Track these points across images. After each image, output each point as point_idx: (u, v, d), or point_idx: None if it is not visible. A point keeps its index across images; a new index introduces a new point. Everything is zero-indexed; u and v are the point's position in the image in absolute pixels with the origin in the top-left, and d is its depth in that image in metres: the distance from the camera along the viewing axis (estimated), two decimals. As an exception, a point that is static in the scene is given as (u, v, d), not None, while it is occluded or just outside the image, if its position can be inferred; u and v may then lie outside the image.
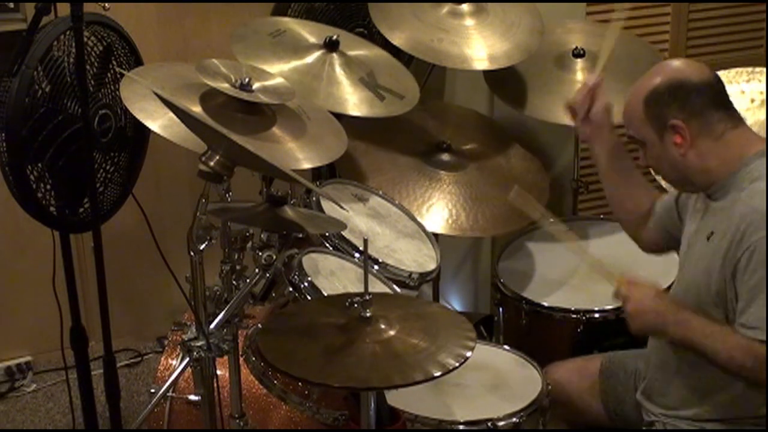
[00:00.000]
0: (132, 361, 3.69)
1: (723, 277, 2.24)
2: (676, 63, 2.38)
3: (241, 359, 2.48)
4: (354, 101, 2.90)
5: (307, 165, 2.53)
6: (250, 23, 3.04)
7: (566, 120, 3.27)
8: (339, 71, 2.94)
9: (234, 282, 2.47)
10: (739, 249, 2.20)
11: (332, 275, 2.62)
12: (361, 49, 3.09)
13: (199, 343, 2.35)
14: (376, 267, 2.69)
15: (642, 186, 2.65)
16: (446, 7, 3.22)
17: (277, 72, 2.73)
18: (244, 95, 2.41)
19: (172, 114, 2.26)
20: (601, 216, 3.49)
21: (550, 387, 2.54)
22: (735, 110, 2.33)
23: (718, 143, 2.28)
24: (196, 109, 2.38)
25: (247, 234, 2.49)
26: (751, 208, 2.20)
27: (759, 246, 2.16)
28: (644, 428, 2.48)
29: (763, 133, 3.00)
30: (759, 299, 2.17)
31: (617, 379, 2.62)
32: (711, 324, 2.26)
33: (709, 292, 2.28)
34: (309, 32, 3.04)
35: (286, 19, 3.15)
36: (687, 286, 2.37)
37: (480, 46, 3.17)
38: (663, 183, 3.01)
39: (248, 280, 2.49)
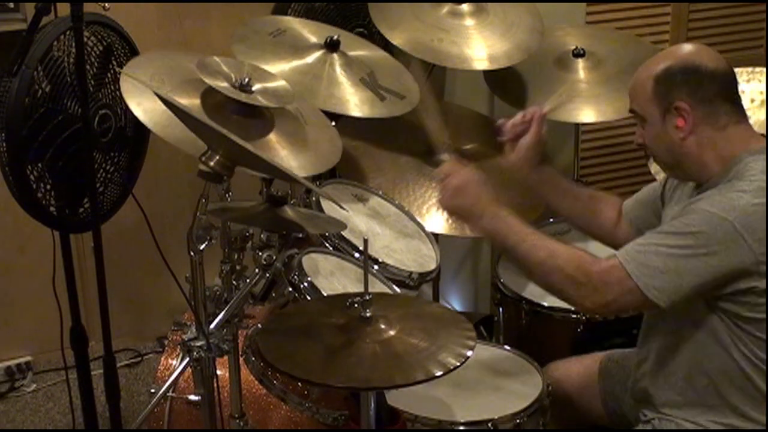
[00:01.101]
0: (132, 361, 3.70)
1: None
2: (695, 47, 2.34)
3: (241, 359, 2.48)
4: (355, 101, 2.90)
5: (301, 173, 2.52)
6: (250, 22, 3.03)
7: (566, 118, 3.29)
8: (339, 71, 2.94)
9: (234, 282, 2.46)
10: (688, 203, 2.24)
11: (332, 275, 2.62)
12: (361, 50, 3.08)
13: (199, 343, 2.35)
14: (376, 267, 2.69)
15: (594, 198, 2.69)
16: (446, 7, 3.22)
17: (277, 72, 2.73)
18: (242, 96, 2.40)
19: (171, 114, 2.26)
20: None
21: (550, 387, 2.54)
22: (742, 106, 2.32)
23: (719, 135, 2.27)
24: (196, 103, 2.37)
25: (247, 234, 2.49)
26: (718, 191, 2.20)
27: (701, 215, 2.17)
28: (641, 427, 2.47)
29: (762, 131, 3.01)
30: (660, 250, 2.18)
31: (616, 379, 2.62)
32: (528, 229, 2.29)
33: None
34: (310, 32, 3.04)
35: (286, 18, 3.15)
36: None
37: (480, 46, 3.16)
38: (652, 169, 3.03)
39: (248, 280, 2.49)
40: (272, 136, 2.48)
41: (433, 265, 2.85)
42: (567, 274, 2.23)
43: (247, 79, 2.41)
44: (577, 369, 2.67)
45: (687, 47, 2.35)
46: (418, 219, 3.02)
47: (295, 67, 2.90)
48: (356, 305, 2.12)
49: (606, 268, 2.21)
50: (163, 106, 2.23)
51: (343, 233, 2.70)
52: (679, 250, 2.17)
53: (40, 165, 2.52)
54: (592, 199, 2.70)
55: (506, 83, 3.37)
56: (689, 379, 2.32)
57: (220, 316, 2.39)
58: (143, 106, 2.41)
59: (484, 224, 2.33)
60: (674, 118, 2.27)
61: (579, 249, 2.27)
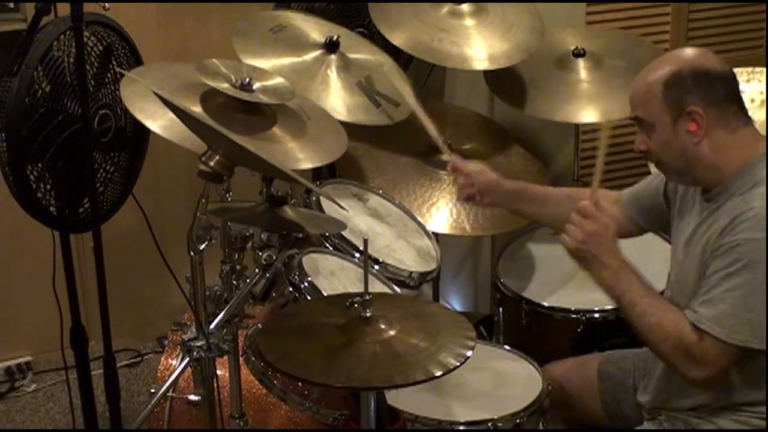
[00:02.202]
0: (132, 361, 3.70)
1: (702, 264, 2.25)
2: (698, 50, 2.33)
3: (241, 359, 2.48)
4: (348, 106, 2.90)
5: (307, 165, 2.53)
6: (252, 17, 3.02)
7: (567, 118, 3.29)
8: (335, 75, 2.94)
9: (234, 282, 2.46)
10: (723, 237, 2.20)
11: (332, 275, 2.62)
12: (360, 52, 3.08)
13: (199, 343, 2.35)
14: (376, 267, 2.69)
15: (565, 198, 2.72)
16: (446, 7, 3.22)
17: (273, 67, 2.72)
18: (244, 95, 2.40)
19: (171, 114, 2.26)
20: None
21: (550, 387, 2.54)
22: (745, 108, 2.32)
23: (731, 138, 2.26)
24: (196, 108, 2.38)
25: (247, 234, 2.49)
26: (749, 207, 2.19)
27: (746, 246, 2.16)
28: (647, 426, 2.47)
29: (763, 133, 3.01)
30: (726, 297, 2.17)
31: (615, 380, 2.62)
32: (653, 291, 2.29)
33: (692, 288, 2.29)
34: (311, 28, 3.03)
35: (288, 14, 3.13)
36: (680, 288, 2.37)
37: (480, 46, 3.17)
38: (652, 169, 3.03)
39: (248, 280, 2.49)
40: (276, 132, 2.48)
41: (433, 265, 2.85)
42: (671, 346, 2.23)
43: (248, 79, 2.42)
44: (575, 371, 2.67)
45: (689, 51, 2.34)
46: (419, 219, 3.02)
47: (292, 64, 2.89)
48: (356, 305, 2.12)
49: (706, 345, 2.19)
50: (164, 110, 2.23)
51: (343, 233, 2.70)
52: (741, 289, 2.16)
53: (40, 165, 2.51)
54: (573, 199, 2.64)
55: (506, 83, 3.37)
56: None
57: (220, 316, 2.39)
58: (146, 111, 2.42)
59: (604, 276, 2.31)
60: (686, 122, 2.25)
61: (683, 317, 2.24)
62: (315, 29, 3.03)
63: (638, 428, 2.50)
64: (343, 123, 2.86)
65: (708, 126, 2.25)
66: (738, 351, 2.18)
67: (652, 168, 3.09)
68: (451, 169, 2.79)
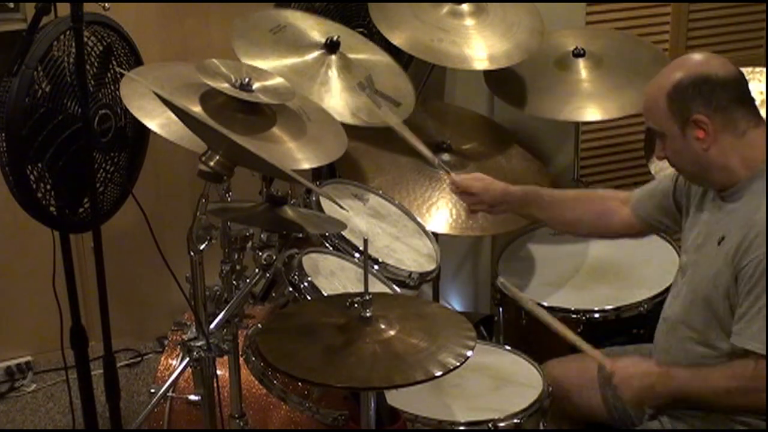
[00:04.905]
0: (132, 361, 3.70)
1: (730, 280, 2.25)
2: (701, 56, 2.35)
3: (241, 359, 2.48)
4: (350, 108, 2.89)
5: (306, 165, 2.53)
6: (251, 16, 3.02)
7: (568, 117, 3.29)
8: (335, 75, 2.93)
9: (234, 282, 2.47)
10: (745, 257, 2.21)
11: (332, 275, 2.62)
12: (361, 51, 3.08)
13: (199, 343, 2.35)
14: (376, 267, 2.69)
15: (573, 200, 2.76)
16: (446, 7, 3.22)
17: (273, 68, 2.72)
18: (244, 95, 2.40)
19: (170, 112, 2.26)
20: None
21: (551, 388, 2.54)
22: (756, 108, 2.33)
23: (741, 141, 2.28)
24: (196, 108, 2.38)
25: (247, 234, 2.49)
26: (763, 218, 2.20)
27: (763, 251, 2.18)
28: (646, 425, 2.47)
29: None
30: (746, 307, 2.19)
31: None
32: (693, 368, 2.31)
33: (718, 296, 2.29)
34: (311, 27, 3.02)
35: (288, 13, 3.13)
36: (695, 288, 2.37)
37: (480, 46, 3.16)
38: (652, 169, 3.04)
39: (248, 280, 2.49)
40: (275, 132, 2.48)
41: (433, 265, 2.85)
42: (737, 390, 2.24)
43: (247, 79, 2.42)
44: (575, 367, 2.67)
45: (694, 57, 2.36)
46: (419, 219, 3.02)
47: (293, 64, 2.89)
48: (356, 305, 2.12)
49: (757, 368, 2.20)
50: (163, 108, 2.23)
51: (343, 233, 2.70)
52: None
53: (40, 165, 2.52)
54: (592, 201, 2.74)
55: (506, 83, 3.37)
56: None
57: (220, 316, 2.40)
58: (144, 109, 2.42)
59: (661, 392, 2.35)
60: (694, 130, 2.27)
61: (725, 368, 2.28)
62: (315, 28, 3.03)
63: (639, 428, 2.50)
64: (343, 123, 2.86)
65: (715, 131, 2.27)
66: None
67: (652, 168, 3.10)
68: (454, 188, 2.82)
